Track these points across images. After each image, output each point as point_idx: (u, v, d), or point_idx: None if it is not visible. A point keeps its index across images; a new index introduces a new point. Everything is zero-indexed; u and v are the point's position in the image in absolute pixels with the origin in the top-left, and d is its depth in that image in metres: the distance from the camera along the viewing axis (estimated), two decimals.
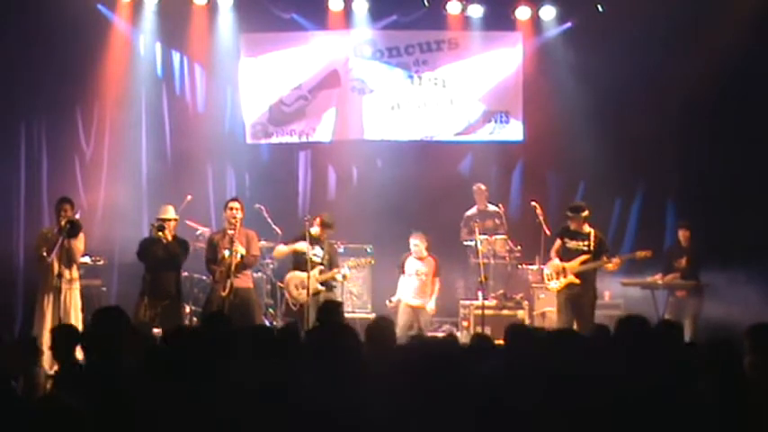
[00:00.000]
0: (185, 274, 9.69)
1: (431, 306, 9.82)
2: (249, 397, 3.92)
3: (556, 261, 9.23)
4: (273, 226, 10.56)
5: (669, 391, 3.92)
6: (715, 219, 10.71)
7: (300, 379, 4.03)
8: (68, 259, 8.68)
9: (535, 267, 10.21)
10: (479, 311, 9.54)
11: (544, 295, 9.98)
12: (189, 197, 10.22)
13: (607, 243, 9.45)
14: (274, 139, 12.10)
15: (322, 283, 9.31)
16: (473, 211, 11.02)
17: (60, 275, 8.55)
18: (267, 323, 10.00)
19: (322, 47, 12.04)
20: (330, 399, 3.77)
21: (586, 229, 9.21)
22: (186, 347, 4.36)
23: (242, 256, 8.78)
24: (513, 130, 11.95)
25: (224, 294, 8.67)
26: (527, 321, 10.08)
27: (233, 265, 8.72)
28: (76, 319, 8.67)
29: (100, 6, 11.48)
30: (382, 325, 5.70)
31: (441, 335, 10.27)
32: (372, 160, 12.05)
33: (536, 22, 11.85)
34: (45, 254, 8.73)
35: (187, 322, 9.92)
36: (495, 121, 11.94)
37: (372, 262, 9.81)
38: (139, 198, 11.47)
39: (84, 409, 3.10)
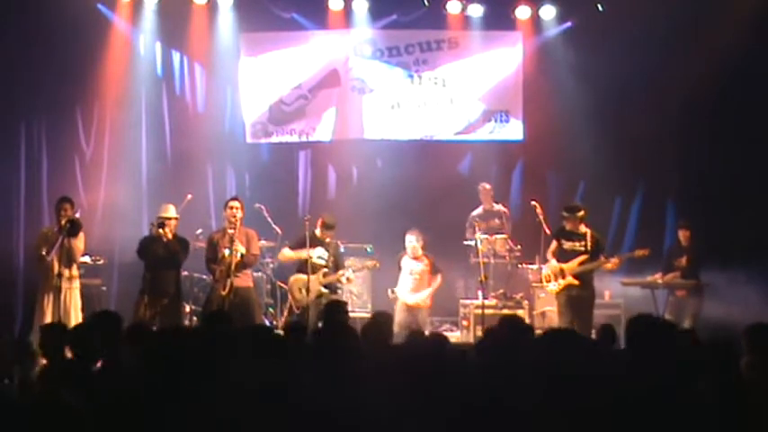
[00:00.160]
0: (185, 273, 9.70)
1: (420, 297, 9.68)
2: (249, 397, 3.92)
3: (553, 262, 9.21)
4: (273, 225, 10.57)
5: (669, 391, 3.92)
6: (715, 219, 10.70)
7: (301, 379, 4.04)
8: (68, 259, 8.69)
9: (535, 267, 10.20)
10: (479, 311, 9.53)
11: (544, 295, 9.97)
12: (189, 197, 10.21)
13: (603, 243, 9.42)
14: (274, 139, 12.10)
15: (326, 286, 9.27)
16: (479, 211, 11.00)
17: (60, 275, 8.55)
18: (267, 323, 10.01)
19: (322, 46, 12.04)
20: (329, 399, 3.77)
21: (582, 229, 9.19)
22: (186, 347, 4.35)
23: (242, 256, 8.78)
24: (513, 130, 11.95)
25: (224, 293, 8.68)
26: (527, 321, 10.08)
27: (233, 264, 8.72)
28: (76, 319, 8.67)
29: (100, 6, 11.48)
30: (380, 321, 5.71)
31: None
32: (372, 160, 12.05)
33: (536, 21, 11.85)
34: (45, 253, 8.73)
35: (187, 321, 9.94)
36: (495, 121, 11.95)
37: (377, 265, 9.74)
38: (139, 198, 11.47)
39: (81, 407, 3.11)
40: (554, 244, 9.34)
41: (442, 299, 10.37)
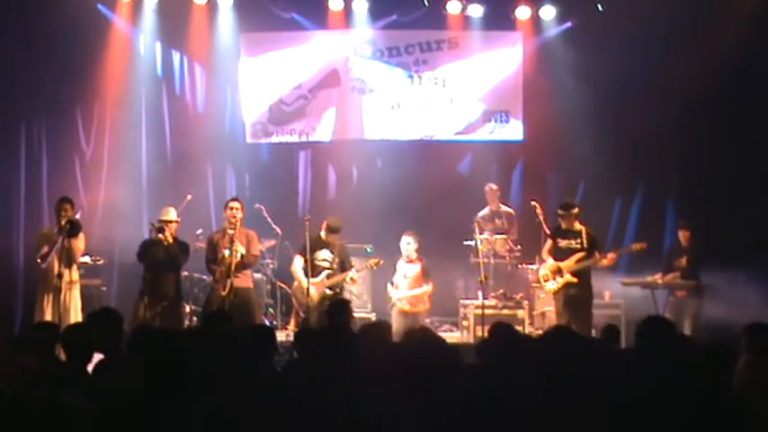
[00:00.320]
0: (185, 273, 9.69)
1: (398, 295, 9.60)
2: (249, 397, 3.93)
3: (550, 261, 9.21)
4: (273, 226, 10.57)
5: (669, 390, 3.92)
6: (715, 219, 10.70)
7: (300, 379, 4.04)
8: (68, 259, 8.68)
9: (535, 267, 10.21)
10: (479, 311, 9.52)
11: (544, 295, 9.96)
12: (189, 197, 10.20)
13: (599, 240, 9.39)
14: (274, 139, 12.10)
15: (330, 288, 9.25)
16: (485, 211, 10.99)
17: (60, 275, 8.54)
18: (267, 323, 10.00)
19: (322, 46, 12.04)
20: (329, 399, 3.77)
21: (577, 227, 9.19)
22: (186, 347, 4.36)
23: (242, 256, 8.77)
24: (513, 130, 11.95)
25: (224, 294, 8.67)
26: (527, 321, 10.09)
27: (233, 264, 8.72)
28: (76, 319, 8.66)
29: (100, 6, 11.48)
30: (380, 326, 5.70)
31: (441, 335, 10.33)
32: (372, 160, 12.05)
33: (536, 21, 11.86)
34: (45, 252, 8.73)
35: (187, 322, 9.94)
36: (495, 121, 11.95)
37: (381, 262, 9.70)
38: (139, 198, 11.47)
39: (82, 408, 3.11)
40: (549, 243, 9.34)
41: (442, 299, 10.37)
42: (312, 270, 9.13)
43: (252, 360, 4.70)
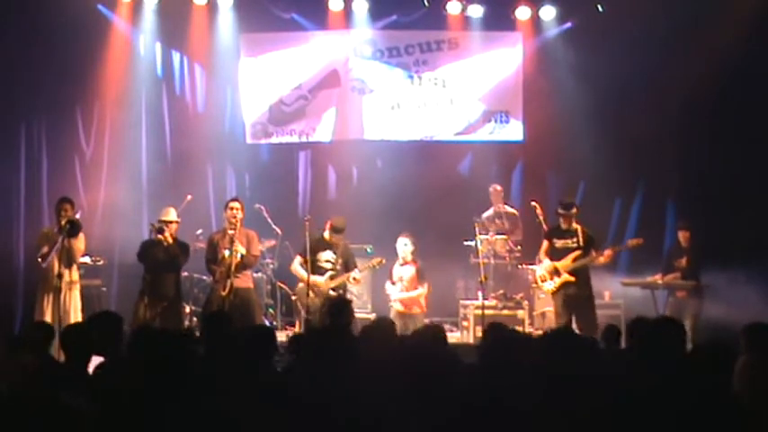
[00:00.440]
0: (185, 274, 9.69)
1: (394, 296, 9.60)
2: (249, 397, 3.93)
3: (547, 262, 9.20)
4: (273, 226, 10.57)
5: (669, 391, 3.92)
6: (715, 219, 10.70)
7: (300, 379, 4.04)
8: (68, 259, 8.68)
9: (535, 267, 10.20)
10: (479, 311, 9.51)
11: (544, 295, 9.94)
12: (189, 197, 10.21)
13: (596, 238, 9.36)
14: (274, 139, 12.10)
15: (334, 288, 9.20)
16: (489, 212, 10.99)
17: (60, 276, 8.53)
18: (267, 323, 10.00)
19: (322, 47, 12.04)
20: (329, 399, 3.77)
21: (574, 226, 9.19)
22: (186, 347, 4.36)
23: (242, 257, 8.77)
24: (513, 130, 11.95)
25: (224, 294, 8.67)
26: (527, 321, 10.09)
27: (233, 265, 8.72)
28: (76, 320, 8.65)
29: (100, 6, 11.48)
30: (381, 325, 5.70)
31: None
32: (372, 160, 12.05)
33: (536, 22, 11.86)
34: (45, 252, 8.73)
35: (187, 322, 9.94)
36: (495, 121, 11.95)
37: (383, 261, 9.69)
38: (139, 198, 11.47)
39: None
40: (545, 243, 9.32)
41: (443, 299, 10.37)
42: (315, 271, 9.12)
43: (252, 360, 4.71)
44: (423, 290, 9.62)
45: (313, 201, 11.99)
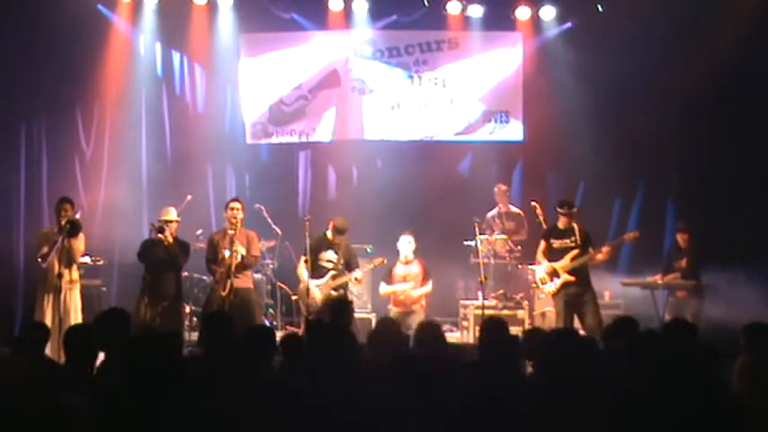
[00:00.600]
0: (185, 274, 9.69)
1: (405, 289, 9.64)
2: (249, 397, 3.93)
3: (545, 263, 9.18)
4: (273, 226, 10.57)
5: (668, 391, 3.92)
6: (715, 219, 10.70)
7: (300, 379, 4.04)
8: (68, 259, 8.67)
9: (535, 267, 10.19)
10: (479, 311, 9.51)
11: (544, 295, 9.93)
12: (189, 197, 10.21)
13: (591, 236, 9.30)
14: (274, 139, 12.10)
15: (335, 289, 9.20)
16: (494, 212, 10.98)
17: (60, 276, 8.53)
18: (267, 323, 10.00)
19: (322, 47, 12.04)
20: (329, 399, 3.77)
21: (571, 225, 9.17)
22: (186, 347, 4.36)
23: (242, 257, 8.78)
24: (513, 130, 11.95)
25: (224, 294, 8.67)
26: (527, 321, 10.08)
27: (233, 265, 8.72)
28: (76, 320, 8.66)
29: (100, 6, 11.48)
30: (386, 324, 5.71)
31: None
32: (372, 160, 12.05)
33: (536, 22, 11.86)
34: (45, 252, 8.73)
35: (187, 322, 9.94)
36: (495, 121, 11.95)
37: (385, 261, 9.70)
38: (139, 198, 11.47)
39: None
40: (543, 244, 9.29)
41: (443, 299, 10.37)
42: (316, 271, 9.12)
43: (252, 360, 4.71)
44: (428, 287, 9.65)
45: (313, 201, 12.00)
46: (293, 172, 12.23)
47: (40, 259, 8.83)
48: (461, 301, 10.62)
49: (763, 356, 5.04)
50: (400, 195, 11.26)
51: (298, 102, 12.02)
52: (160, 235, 8.71)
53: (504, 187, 11.10)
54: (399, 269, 9.72)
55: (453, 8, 11.72)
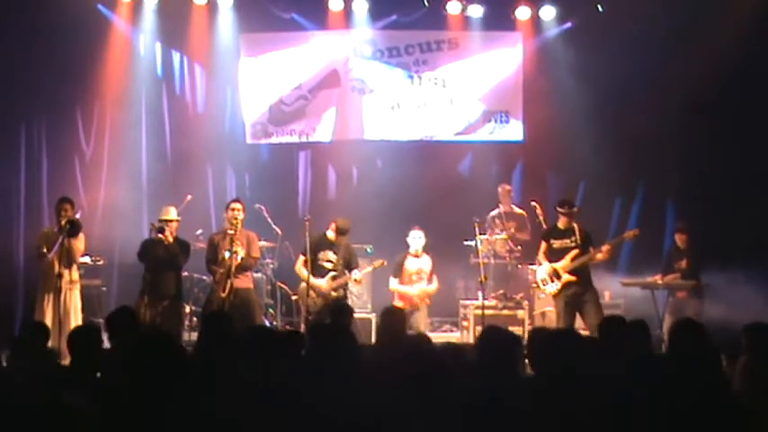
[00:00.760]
0: (185, 274, 9.69)
1: (411, 289, 9.68)
2: (249, 397, 3.92)
3: (546, 264, 9.17)
4: (273, 226, 10.56)
5: (668, 391, 3.92)
6: (715, 219, 10.70)
7: (300, 379, 4.04)
8: (68, 259, 8.68)
9: (535, 267, 10.19)
10: (479, 311, 9.51)
11: (544, 295, 9.93)
12: (189, 197, 10.22)
13: (591, 235, 9.29)
14: (274, 139, 12.10)
15: (335, 289, 9.19)
16: (496, 212, 10.97)
17: (60, 276, 8.53)
18: (267, 323, 10.00)
19: (322, 47, 12.04)
20: (329, 399, 3.77)
21: (571, 225, 9.16)
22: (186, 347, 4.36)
23: (242, 258, 8.78)
24: (513, 130, 11.95)
25: (224, 295, 8.67)
26: (527, 321, 10.08)
27: (233, 266, 8.72)
28: (76, 320, 8.67)
29: (100, 6, 11.48)
30: (392, 311, 5.70)
31: (441, 335, 10.34)
32: (372, 160, 12.05)
33: (536, 22, 11.86)
34: (45, 251, 8.73)
35: (187, 322, 9.94)
36: (495, 121, 11.95)
37: (385, 263, 9.70)
38: (139, 198, 11.47)
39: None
40: (543, 245, 9.28)
41: (443, 299, 10.37)
42: (316, 271, 9.12)
43: (252, 360, 4.70)
44: (433, 287, 9.74)
45: (313, 201, 12.00)
46: (293, 172, 12.23)
47: (39, 258, 8.83)
48: (461, 301, 10.62)
49: (763, 357, 5.03)
50: (400, 195, 11.25)
51: (298, 102, 12.02)
52: (160, 235, 8.71)
53: (508, 187, 11.09)
54: (411, 264, 9.73)
55: (453, 8, 11.72)
